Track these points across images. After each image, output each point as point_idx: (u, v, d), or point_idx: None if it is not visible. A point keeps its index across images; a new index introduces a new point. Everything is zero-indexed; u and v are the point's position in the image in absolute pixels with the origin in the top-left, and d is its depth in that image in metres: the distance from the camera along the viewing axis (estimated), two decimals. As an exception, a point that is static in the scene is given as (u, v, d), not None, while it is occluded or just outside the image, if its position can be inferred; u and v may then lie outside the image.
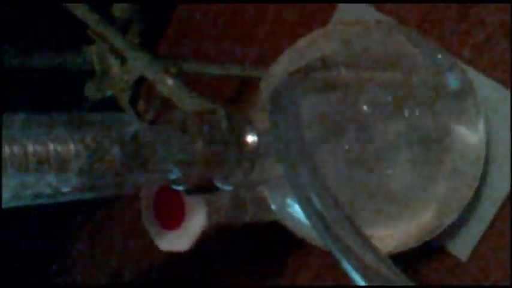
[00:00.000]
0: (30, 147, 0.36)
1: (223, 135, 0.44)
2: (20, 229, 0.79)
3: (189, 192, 0.46)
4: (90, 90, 0.51)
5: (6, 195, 0.37)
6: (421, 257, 0.60)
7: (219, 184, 0.48)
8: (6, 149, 0.36)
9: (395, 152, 0.52)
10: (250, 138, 0.46)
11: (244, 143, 0.45)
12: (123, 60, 0.50)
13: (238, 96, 0.74)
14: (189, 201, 0.54)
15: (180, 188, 0.47)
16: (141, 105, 0.49)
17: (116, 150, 0.38)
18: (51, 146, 0.37)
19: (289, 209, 0.57)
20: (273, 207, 0.57)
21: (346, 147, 0.48)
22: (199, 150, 0.43)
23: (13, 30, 0.59)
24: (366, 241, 0.31)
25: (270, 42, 0.75)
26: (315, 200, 0.32)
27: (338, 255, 0.33)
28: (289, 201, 0.56)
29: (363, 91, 0.47)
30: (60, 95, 0.56)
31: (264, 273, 0.74)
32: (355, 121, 0.49)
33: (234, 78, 0.70)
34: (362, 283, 0.31)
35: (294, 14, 0.73)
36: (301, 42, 0.54)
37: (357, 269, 0.32)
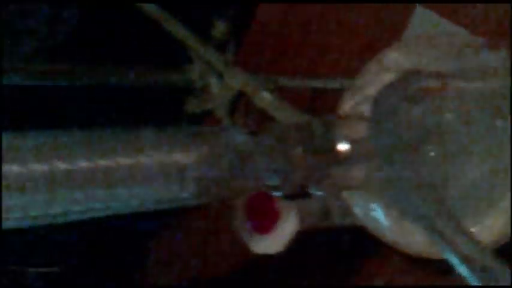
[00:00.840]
0: (157, 157, 0.41)
1: (318, 144, 0.48)
2: (97, 234, 0.83)
3: (286, 197, 0.50)
4: (191, 105, 0.56)
5: (134, 203, 0.41)
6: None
7: (312, 190, 0.51)
8: (129, 160, 0.41)
9: (476, 160, 0.54)
10: (343, 146, 0.50)
11: (338, 151, 0.49)
12: (221, 78, 0.54)
13: (312, 105, 0.78)
14: (282, 205, 0.57)
15: (278, 193, 0.51)
16: (238, 119, 0.53)
17: (226, 160, 0.43)
18: (171, 156, 0.41)
19: (372, 213, 0.60)
20: (356, 211, 0.60)
21: (432, 154, 0.51)
22: (297, 158, 0.47)
23: (121, 51, 0.64)
24: (472, 238, 0.34)
25: (342, 53, 0.78)
26: (420, 200, 0.35)
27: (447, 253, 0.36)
28: (372, 205, 0.60)
29: (448, 100, 0.50)
30: (159, 110, 0.61)
31: (340, 274, 0.76)
32: (439, 128, 0.52)
33: (308, 89, 0.74)
34: (475, 283, 0.34)
35: (367, 26, 0.76)
36: (386, 55, 0.57)
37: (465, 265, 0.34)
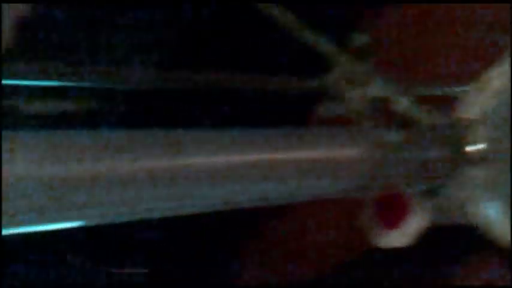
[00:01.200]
0: (324, 152, 0.46)
1: (453, 144, 0.52)
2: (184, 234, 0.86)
3: (422, 194, 0.55)
4: (325, 110, 0.60)
5: (302, 194, 0.46)
6: None
7: (442, 187, 0.56)
8: (300, 154, 0.46)
9: None
10: (473, 147, 0.54)
11: (469, 151, 0.54)
12: (358, 85, 0.59)
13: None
14: (414, 201, 0.62)
15: (413, 189, 0.55)
16: (374, 121, 0.57)
17: (381, 156, 0.48)
18: (337, 152, 0.46)
19: (489, 211, 0.64)
20: (471, 209, 0.64)
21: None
22: (435, 157, 0.52)
23: (259, 58, 0.70)
24: None
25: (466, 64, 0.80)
26: None
27: None
28: (490, 203, 0.64)
29: None
30: (290, 114, 0.66)
31: (439, 273, 0.79)
32: None
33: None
34: None
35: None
36: (505, 60, 0.61)
37: None
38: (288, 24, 0.60)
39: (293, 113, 0.68)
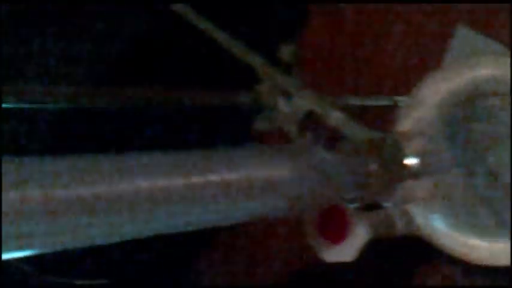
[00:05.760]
0: (250, 174, 0.43)
1: (389, 159, 0.50)
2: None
3: (360, 209, 0.53)
4: (259, 124, 0.58)
5: (228, 217, 0.43)
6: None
7: (382, 201, 0.54)
8: (222, 177, 0.43)
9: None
10: (411, 161, 0.52)
11: (406, 165, 0.52)
12: (289, 98, 0.57)
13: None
14: (353, 217, 0.59)
15: (352, 205, 0.53)
16: (308, 137, 0.55)
17: (313, 176, 0.45)
18: (264, 173, 0.44)
19: (433, 222, 0.63)
20: (417, 221, 0.63)
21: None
22: (373, 173, 0.50)
23: (190, 73, 0.67)
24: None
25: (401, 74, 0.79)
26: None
27: None
28: (433, 215, 0.62)
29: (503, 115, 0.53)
30: (225, 129, 0.64)
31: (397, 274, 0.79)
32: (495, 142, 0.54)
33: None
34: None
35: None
36: (440, 74, 0.59)
37: None
38: (217, 38, 0.58)
39: (228, 127, 0.66)
